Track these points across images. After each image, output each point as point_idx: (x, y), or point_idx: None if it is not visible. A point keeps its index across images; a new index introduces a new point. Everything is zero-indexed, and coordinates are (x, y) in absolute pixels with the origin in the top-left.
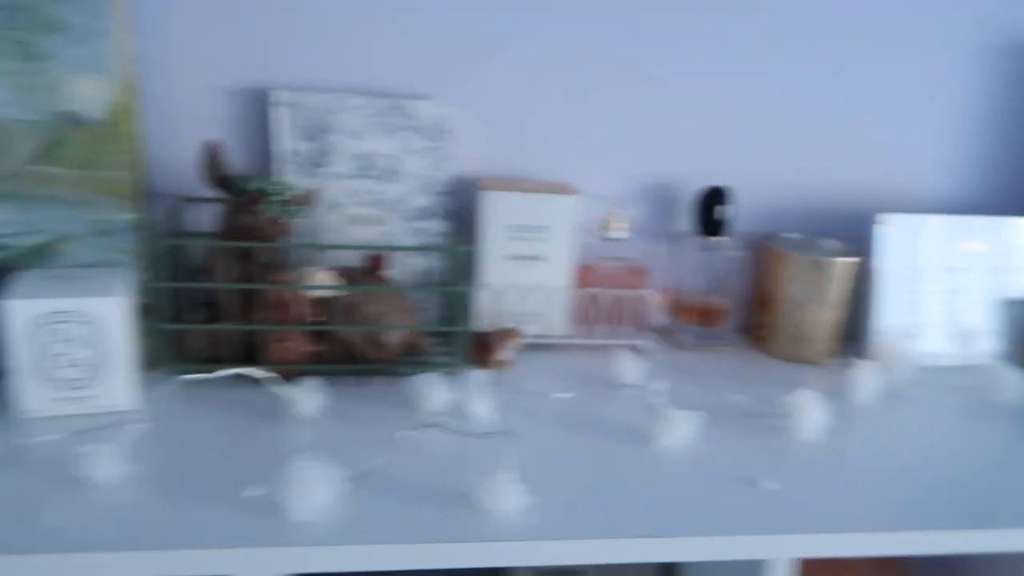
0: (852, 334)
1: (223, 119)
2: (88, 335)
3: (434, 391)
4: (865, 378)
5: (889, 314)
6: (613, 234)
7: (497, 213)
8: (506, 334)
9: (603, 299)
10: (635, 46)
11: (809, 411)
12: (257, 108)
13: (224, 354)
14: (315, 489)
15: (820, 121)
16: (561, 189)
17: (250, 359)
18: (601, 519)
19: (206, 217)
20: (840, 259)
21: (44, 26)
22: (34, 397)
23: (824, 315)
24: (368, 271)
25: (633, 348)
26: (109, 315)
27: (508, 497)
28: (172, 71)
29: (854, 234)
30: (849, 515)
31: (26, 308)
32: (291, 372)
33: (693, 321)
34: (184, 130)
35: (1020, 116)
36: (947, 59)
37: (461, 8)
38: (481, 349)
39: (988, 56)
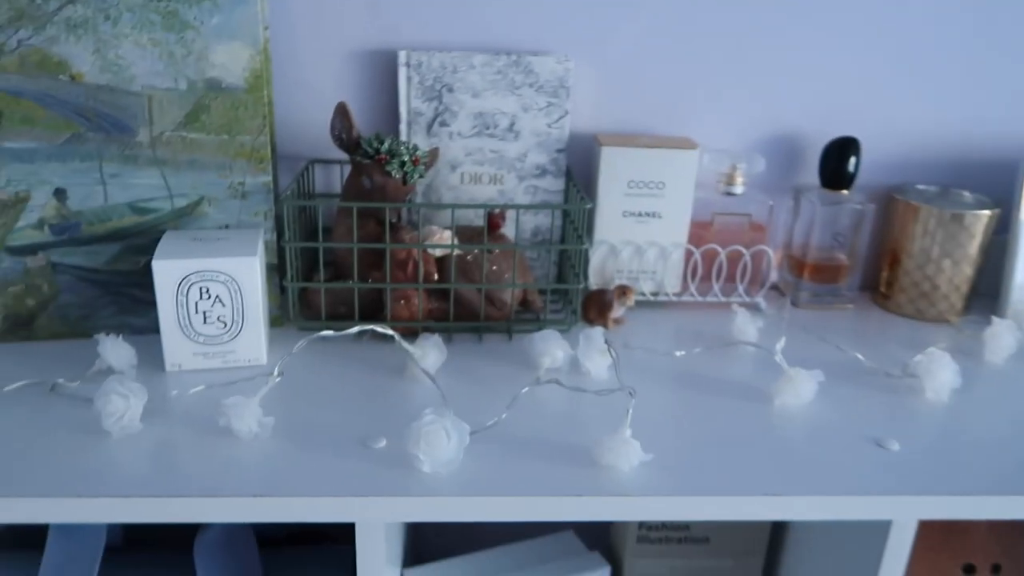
0: (985, 290)
1: (349, 82)
2: (227, 294)
3: (550, 347)
4: (998, 337)
5: None
6: (734, 189)
7: (615, 169)
8: (620, 291)
9: (720, 256)
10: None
11: (936, 370)
12: (382, 70)
13: (349, 312)
14: (439, 442)
15: (951, 65)
16: (681, 144)
17: (374, 316)
18: (718, 476)
19: (334, 179)
20: (979, 212)
21: None
22: (178, 351)
23: (958, 271)
24: (486, 230)
25: (749, 306)
26: (246, 275)
27: (626, 453)
28: (299, 36)
29: (992, 185)
30: (971, 478)
31: (171, 268)
32: (412, 329)
33: (813, 278)
34: (312, 94)
35: None
36: None
37: None
38: (595, 307)
39: None
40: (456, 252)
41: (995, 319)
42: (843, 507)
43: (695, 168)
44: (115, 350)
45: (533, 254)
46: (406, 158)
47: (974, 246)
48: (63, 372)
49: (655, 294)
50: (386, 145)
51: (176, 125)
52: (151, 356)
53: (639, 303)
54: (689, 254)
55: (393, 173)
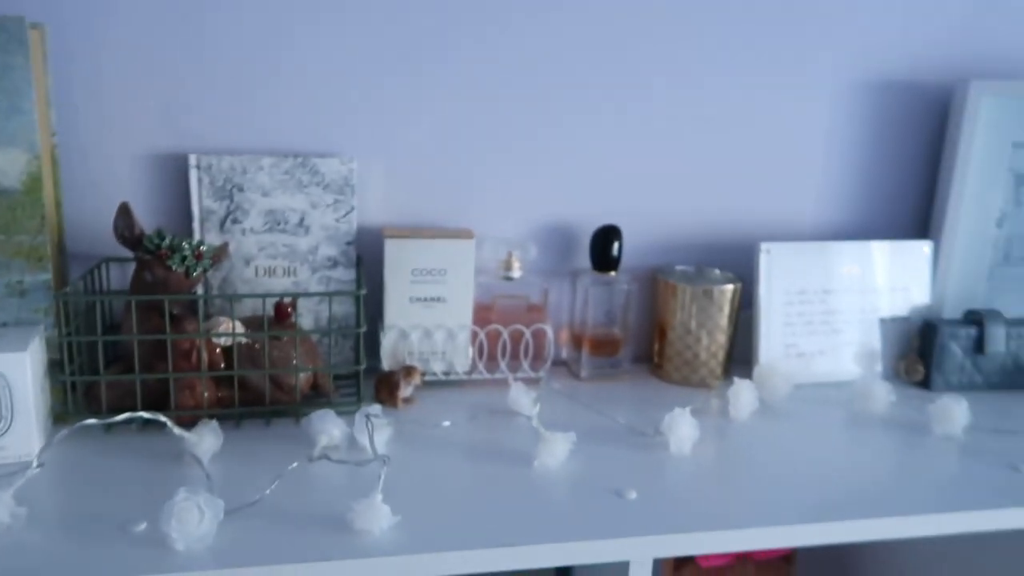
0: (741, 357)
1: (143, 183)
2: None
3: (327, 426)
4: (740, 395)
5: (772, 336)
6: (511, 273)
7: (400, 259)
8: (408, 372)
9: (503, 335)
10: (524, 96)
11: (678, 427)
12: (174, 171)
13: (136, 404)
14: (191, 518)
15: (703, 159)
16: (460, 234)
17: (162, 408)
18: (464, 531)
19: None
20: (724, 287)
21: None
22: None
23: (712, 340)
24: (275, 319)
25: (534, 381)
26: (15, 370)
27: (376, 517)
28: (91, 140)
29: (738, 263)
30: (702, 517)
31: None
32: (197, 417)
33: (593, 352)
34: (104, 195)
35: (880, 148)
36: (815, 95)
37: (360, 68)
38: (385, 388)
39: (853, 93)
40: (244, 341)
41: (736, 380)
42: (582, 552)
43: (473, 256)
44: None
45: (332, 340)
46: (187, 252)
47: (723, 317)
48: None
49: (446, 373)
50: (167, 241)
51: None
52: None
53: (434, 383)
54: (475, 335)
55: (174, 267)
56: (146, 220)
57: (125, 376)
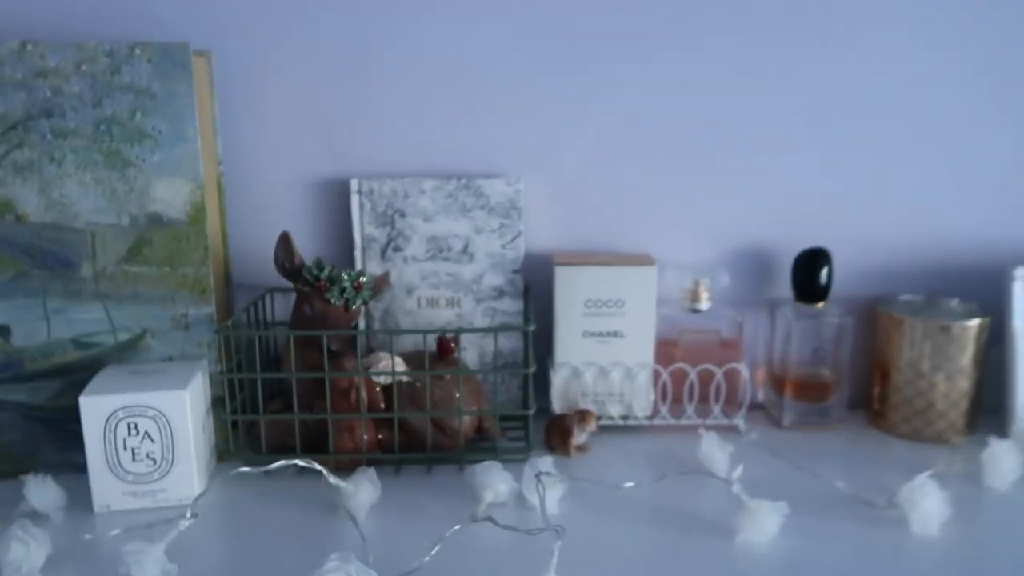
0: (991, 405)
1: (306, 210)
2: (156, 429)
3: (493, 480)
4: (997, 460)
5: None
6: (699, 305)
7: (572, 289)
8: (582, 417)
9: (690, 375)
10: (708, 105)
11: (920, 499)
12: (335, 197)
13: (295, 443)
14: None
15: (933, 169)
16: (639, 260)
17: (321, 448)
18: None
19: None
20: (967, 322)
21: (134, 136)
22: (107, 491)
23: (952, 386)
24: (438, 355)
25: (727, 428)
26: (175, 409)
27: None
28: (256, 167)
29: (981, 292)
30: None
31: (98, 404)
32: (355, 462)
33: (797, 396)
34: (270, 223)
35: None
36: None
37: (527, 83)
38: (556, 434)
39: None
40: (404, 379)
41: (993, 440)
42: None
43: (655, 285)
44: (41, 491)
45: (497, 379)
46: (347, 284)
47: (966, 358)
48: None
49: (624, 417)
50: (326, 272)
51: (118, 259)
52: (86, 496)
53: (609, 427)
54: (657, 374)
55: (333, 300)
56: (309, 248)
57: (284, 416)
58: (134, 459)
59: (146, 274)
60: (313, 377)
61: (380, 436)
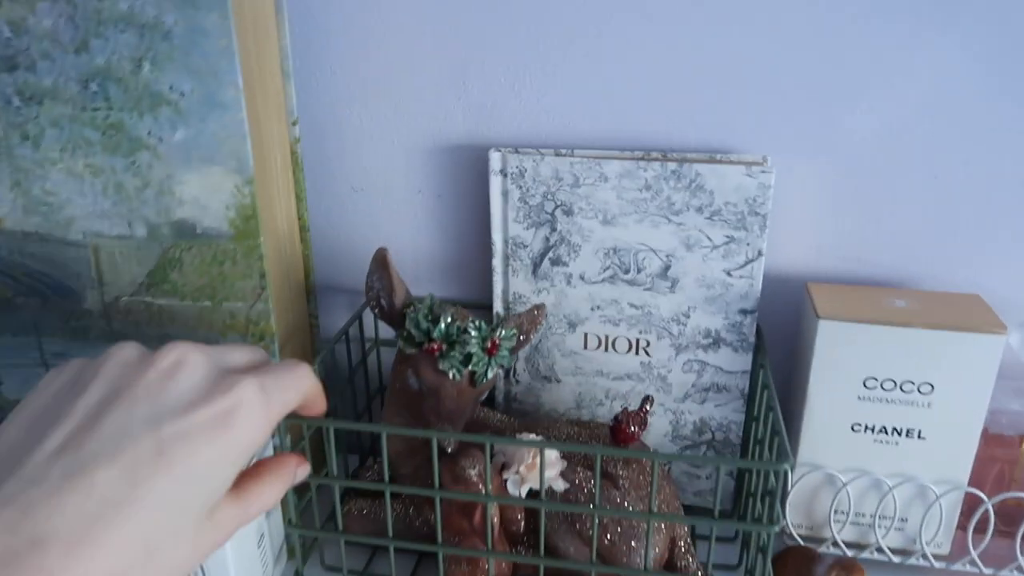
0: None
1: (421, 194)
2: None
3: None
4: None
5: None
6: None
7: (844, 355)
8: (840, 569)
9: None
10: None
11: None
12: (469, 177)
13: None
14: None
15: None
16: (972, 318)
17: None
18: None
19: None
20: None
21: (143, 100)
22: None
23: None
24: (612, 440)
25: None
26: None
27: None
28: (348, 129)
29: None
30: None
31: None
32: None
33: None
34: (363, 212)
35: None
36: None
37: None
38: (793, 575)
39: None
40: (559, 486)
41: None
42: None
43: (997, 361)
44: None
45: (689, 466)
46: (474, 348)
47: None
48: None
49: (904, 553)
50: (441, 327)
51: (136, 287)
52: None
53: (876, 563)
54: (973, 501)
55: (451, 374)
56: (420, 258)
57: (372, 540)
58: None
59: (176, 309)
60: (420, 486)
61: (516, 567)
